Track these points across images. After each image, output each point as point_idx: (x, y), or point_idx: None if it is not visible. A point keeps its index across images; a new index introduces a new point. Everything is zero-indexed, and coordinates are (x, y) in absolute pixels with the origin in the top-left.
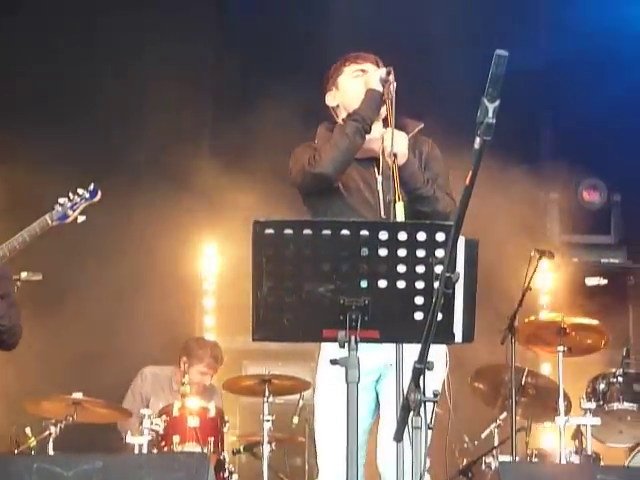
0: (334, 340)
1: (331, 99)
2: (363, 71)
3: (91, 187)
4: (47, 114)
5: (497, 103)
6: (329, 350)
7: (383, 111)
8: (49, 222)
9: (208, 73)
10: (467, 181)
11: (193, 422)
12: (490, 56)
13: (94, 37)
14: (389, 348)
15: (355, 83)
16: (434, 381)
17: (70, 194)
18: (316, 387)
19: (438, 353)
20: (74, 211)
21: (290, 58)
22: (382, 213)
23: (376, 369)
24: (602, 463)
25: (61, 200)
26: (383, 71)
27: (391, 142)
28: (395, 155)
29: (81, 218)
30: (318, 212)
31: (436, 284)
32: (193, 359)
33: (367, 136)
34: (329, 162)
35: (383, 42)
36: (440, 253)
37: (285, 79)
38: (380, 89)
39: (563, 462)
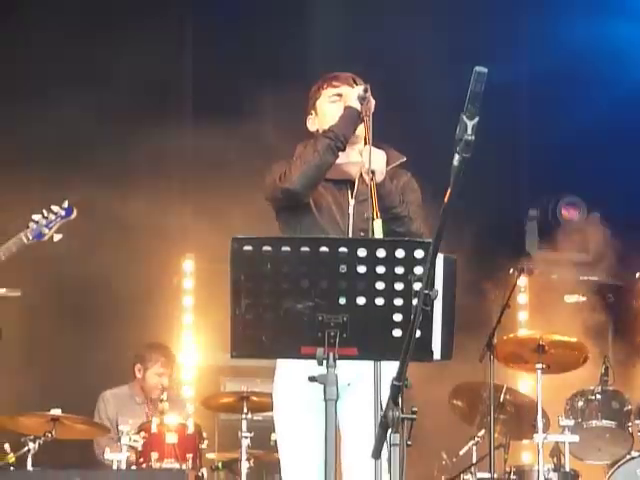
0: (312, 357)
1: (311, 124)
2: (339, 95)
3: (65, 204)
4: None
5: (476, 120)
6: (286, 367)
7: (361, 130)
8: (24, 241)
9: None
10: (446, 198)
11: (172, 439)
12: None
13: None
14: (345, 368)
15: (332, 108)
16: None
17: (44, 211)
18: (276, 405)
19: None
20: (50, 229)
21: (268, 71)
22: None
23: None
24: None
25: (35, 217)
26: (361, 88)
27: (369, 159)
28: (373, 172)
29: (57, 237)
30: (289, 228)
31: (415, 301)
32: (147, 363)
33: (345, 159)
34: (298, 178)
35: (364, 59)
36: (419, 270)
37: (264, 90)
38: (358, 107)
39: (542, 479)
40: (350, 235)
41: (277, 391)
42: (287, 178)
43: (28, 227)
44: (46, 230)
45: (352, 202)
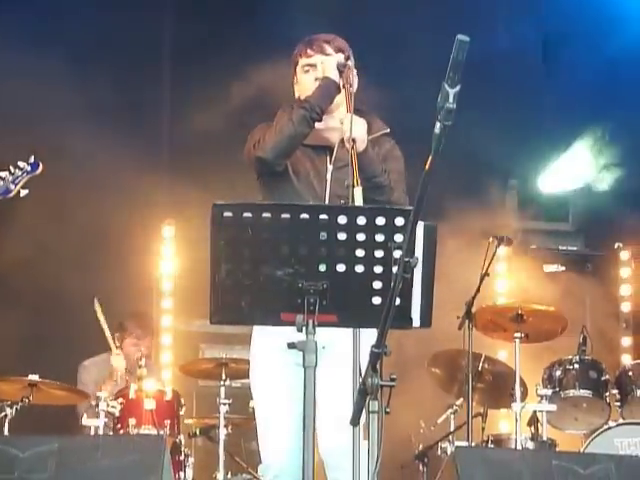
0: (292, 324)
1: (295, 91)
2: (311, 66)
3: (31, 160)
4: None
5: (458, 88)
6: (263, 335)
7: (342, 98)
8: None
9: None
10: (427, 166)
11: (149, 405)
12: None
13: None
14: (321, 331)
15: (305, 78)
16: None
17: (10, 167)
18: (252, 370)
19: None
20: (16, 185)
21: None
22: (326, 203)
23: None
24: (558, 449)
25: (1, 174)
26: (341, 56)
27: (350, 127)
28: (354, 140)
29: (24, 192)
30: (267, 192)
31: (395, 269)
32: (124, 333)
33: (325, 125)
34: (270, 148)
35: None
36: (399, 238)
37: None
38: (336, 76)
39: (519, 448)
40: (327, 201)
41: (254, 356)
42: (261, 147)
43: None
44: (12, 186)
45: (330, 168)
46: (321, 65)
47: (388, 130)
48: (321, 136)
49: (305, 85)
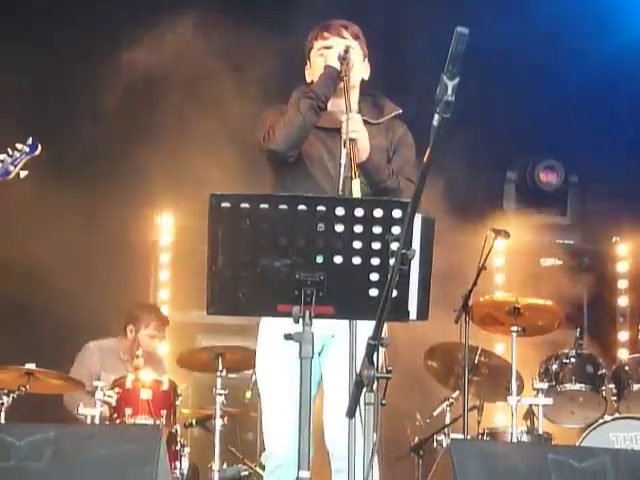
0: (289, 315)
1: (307, 75)
2: (327, 48)
3: (29, 141)
4: None
5: (456, 81)
6: (270, 326)
7: (354, 79)
8: None
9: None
10: (425, 158)
11: (146, 395)
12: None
13: None
14: (330, 320)
15: (320, 61)
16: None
17: (9, 150)
18: (258, 360)
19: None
20: (15, 167)
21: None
22: (340, 185)
23: (319, 340)
24: (553, 443)
25: (0, 156)
26: (342, 48)
27: (350, 126)
28: (353, 140)
29: (23, 173)
30: (280, 177)
31: (392, 261)
32: (140, 324)
33: (337, 108)
34: (282, 139)
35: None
36: (396, 230)
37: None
38: (338, 66)
39: (514, 441)
40: (341, 184)
41: (260, 346)
42: (271, 139)
43: None
44: (12, 168)
45: (344, 151)
46: (325, 53)
47: (400, 110)
48: (334, 118)
49: (318, 67)
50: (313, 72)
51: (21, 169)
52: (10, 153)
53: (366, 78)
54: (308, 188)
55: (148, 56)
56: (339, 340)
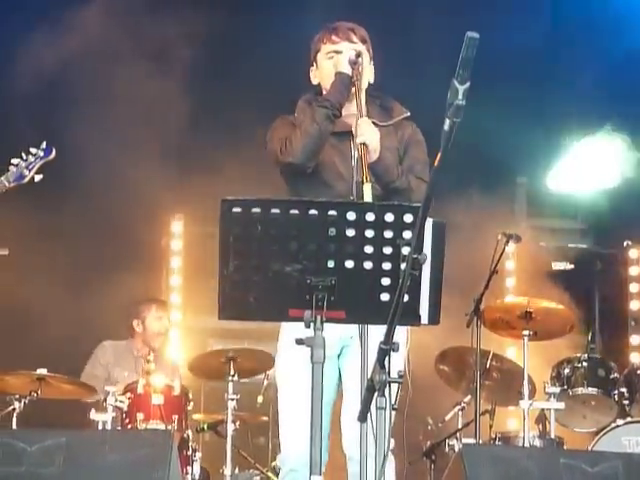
0: (300, 320)
1: (313, 77)
2: (337, 52)
3: (43, 145)
4: None
5: (467, 85)
6: (290, 330)
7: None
8: (6, 184)
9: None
10: (436, 163)
11: (157, 400)
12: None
13: None
14: None
15: (329, 64)
16: (396, 360)
17: (23, 154)
18: (277, 364)
19: (400, 331)
20: (30, 171)
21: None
22: (354, 188)
23: (338, 342)
24: (565, 447)
25: (14, 161)
26: (352, 53)
27: (359, 129)
28: (364, 144)
29: (38, 177)
30: (292, 183)
31: (403, 265)
32: (143, 314)
33: (348, 111)
34: (300, 151)
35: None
36: (408, 234)
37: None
38: (349, 72)
39: (526, 446)
40: (354, 187)
41: (279, 349)
42: (289, 152)
43: (8, 171)
44: (26, 172)
45: (355, 153)
46: (335, 58)
47: (408, 114)
48: (343, 122)
49: (329, 72)
50: (321, 75)
51: (36, 173)
52: (24, 157)
53: (372, 81)
54: (323, 194)
55: None
56: (359, 342)
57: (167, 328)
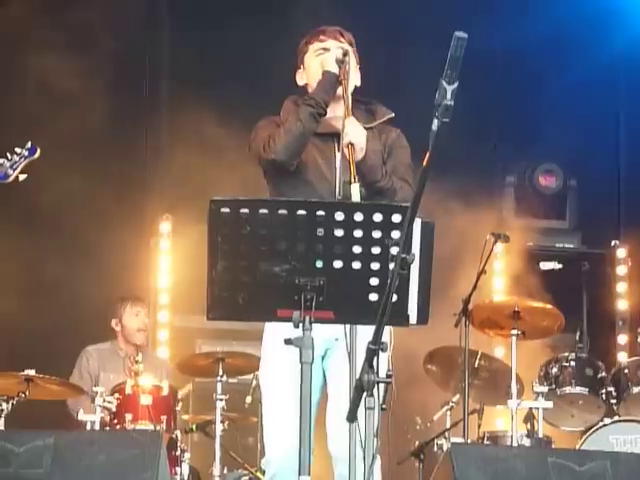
0: (289, 320)
1: (299, 78)
2: (325, 49)
3: (28, 145)
4: None
5: (455, 85)
6: (274, 330)
7: (340, 91)
8: None
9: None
10: (424, 162)
11: (146, 400)
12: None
13: None
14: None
15: (316, 62)
16: (381, 360)
17: (8, 154)
18: (261, 365)
19: (384, 331)
20: (14, 170)
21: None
22: (338, 190)
23: (322, 343)
24: (554, 446)
25: None
26: (339, 52)
27: (346, 128)
28: (351, 144)
29: (22, 176)
30: (275, 183)
31: (391, 265)
32: (119, 311)
33: (331, 113)
34: (283, 149)
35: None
36: (396, 234)
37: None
38: (336, 70)
39: (515, 445)
40: (337, 188)
41: (264, 351)
42: (271, 149)
43: None
44: (11, 171)
45: (339, 155)
46: (322, 57)
47: (393, 114)
48: (328, 124)
49: (315, 69)
50: (308, 75)
51: (20, 172)
52: (9, 157)
53: (358, 84)
54: (305, 194)
55: None
56: (343, 344)
57: (146, 323)
